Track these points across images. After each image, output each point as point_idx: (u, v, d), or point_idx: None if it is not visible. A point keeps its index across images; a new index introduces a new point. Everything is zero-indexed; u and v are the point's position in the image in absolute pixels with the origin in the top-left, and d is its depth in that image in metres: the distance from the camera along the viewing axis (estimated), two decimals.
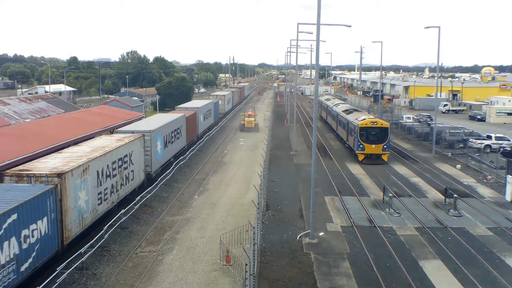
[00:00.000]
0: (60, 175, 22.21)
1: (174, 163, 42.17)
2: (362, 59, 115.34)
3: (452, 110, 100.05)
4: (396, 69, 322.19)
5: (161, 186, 35.73)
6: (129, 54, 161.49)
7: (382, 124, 47.83)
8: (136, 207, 30.32)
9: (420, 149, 56.26)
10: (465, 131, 58.80)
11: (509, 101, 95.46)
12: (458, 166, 46.27)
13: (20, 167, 24.20)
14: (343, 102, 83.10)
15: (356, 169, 44.85)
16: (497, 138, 55.01)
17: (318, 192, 34.58)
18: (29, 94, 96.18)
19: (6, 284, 17.90)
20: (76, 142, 38.85)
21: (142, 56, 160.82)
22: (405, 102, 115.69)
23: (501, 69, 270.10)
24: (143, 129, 37.10)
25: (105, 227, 25.57)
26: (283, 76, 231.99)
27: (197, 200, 34.26)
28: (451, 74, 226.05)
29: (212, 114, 68.76)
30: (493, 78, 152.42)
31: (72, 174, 23.14)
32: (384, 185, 36.40)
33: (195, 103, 65.65)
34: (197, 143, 54.08)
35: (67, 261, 21.43)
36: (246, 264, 17.77)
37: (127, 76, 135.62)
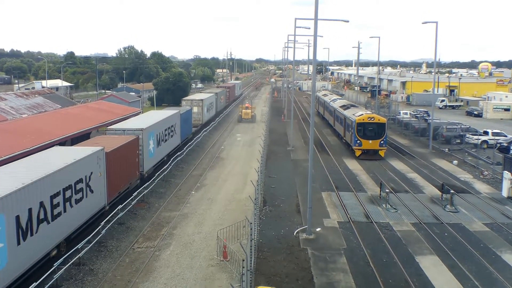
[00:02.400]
0: None
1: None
2: (360, 54, 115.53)
3: (449, 106, 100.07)
4: (393, 64, 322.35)
5: (158, 182, 35.72)
6: (126, 49, 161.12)
7: (379, 120, 47.87)
8: (133, 202, 30.31)
9: (417, 145, 56.34)
10: (462, 126, 58.89)
11: (506, 96, 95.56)
12: (455, 161, 46.36)
13: None
14: (340, 97, 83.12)
15: (353, 165, 44.89)
16: (494, 134, 55.08)
17: (315, 187, 34.62)
18: (26, 89, 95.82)
19: None
20: (73, 138, 38.86)
21: (139, 51, 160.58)
22: (402, 98, 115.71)
23: (498, 64, 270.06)
24: None
25: (102, 223, 25.57)
26: (281, 71, 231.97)
27: (194, 196, 34.27)
28: (448, 69, 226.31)
29: (176, 132, 46.82)
30: (490, 74, 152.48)
31: None
32: (381, 180, 36.45)
33: (141, 121, 40.27)
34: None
35: (64, 256, 21.46)
36: (243, 260, 17.80)
37: (124, 71, 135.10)
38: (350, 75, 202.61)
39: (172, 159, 42.27)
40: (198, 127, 62.59)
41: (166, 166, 39.31)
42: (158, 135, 39.65)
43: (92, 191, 25.98)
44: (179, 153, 45.06)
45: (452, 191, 33.06)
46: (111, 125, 41.43)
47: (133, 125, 37.66)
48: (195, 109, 62.98)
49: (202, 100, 65.72)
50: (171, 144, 44.86)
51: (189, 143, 51.03)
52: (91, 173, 25.85)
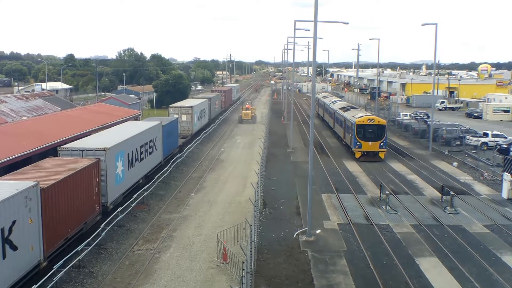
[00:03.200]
0: None
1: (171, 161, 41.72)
2: (359, 56, 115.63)
3: (449, 108, 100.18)
4: (393, 66, 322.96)
5: (158, 184, 35.70)
6: (126, 52, 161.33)
7: (379, 122, 47.90)
8: (133, 205, 30.28)
9: (416, 147, 56.34)
10: (462, 128, 58.92)
11: (506, 98, 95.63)
12: (455, 163, 46.37)
13: None
14: (340, 99, 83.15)
15: (353, 167, 44.89)
16: (494, 136, 55.13)
17: (315, 189, 34.60)
18: (25, 91, 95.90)
19: None
20: (72, 140, 38.85)
21: (139, 53, 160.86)
22: (402, 100, 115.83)
23: (498, 66, 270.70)
24: None
25: (102, 225, 25.54)
26: (280, 73, 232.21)
27: (194, 198, 34.25)
28: (448, 71, 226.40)
29: (157, 148, 39.38)
30: (490, 75, 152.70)
31: None
32: (381, 182, 36.44)
33: (107, 137, 32.64)
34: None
35: (64, 259, 21.40)
36: (243, 262, 17.77)
37: (124, 74, 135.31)
38: (349, 77, 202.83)
39: (173, 160, 42.15)
40: (187, 138, 55.60)
41: (166, 168, 39.22)
42: (130, 154, 32.30)
43: (15, 248, 18.62)
44: (178, 155, 44.99)
45: (452, 192, 33.05)
46: (110, 127, 41.23)
47: (96, 143, 30.11)
48: (184, 118, 56.61)
49: (191, 107, 57.63)
50: (149, 163, 37.38)
51: (189, 146, 50.90)
52: (14, 222, 18.57)
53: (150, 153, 37.46)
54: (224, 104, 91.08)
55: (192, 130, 57.74)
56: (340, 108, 60.60)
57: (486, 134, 55.89)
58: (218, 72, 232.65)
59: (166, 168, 39.12)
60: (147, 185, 33.87)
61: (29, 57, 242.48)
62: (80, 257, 22.29)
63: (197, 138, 55.22)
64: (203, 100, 67.20)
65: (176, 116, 53.56)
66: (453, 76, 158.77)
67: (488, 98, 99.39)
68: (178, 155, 45.03)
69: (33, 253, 20.11)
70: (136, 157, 33.80)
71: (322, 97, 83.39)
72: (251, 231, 20.79)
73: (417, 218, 30.08)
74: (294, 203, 33.14)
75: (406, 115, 77.17)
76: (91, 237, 24.18)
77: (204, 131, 60.07)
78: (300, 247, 25.39)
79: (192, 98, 77.64)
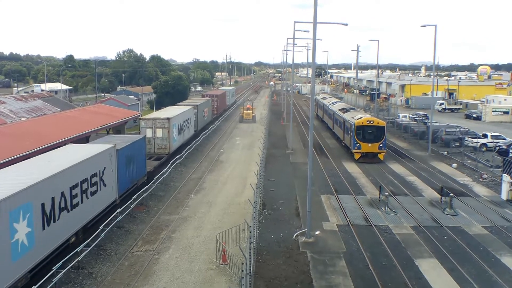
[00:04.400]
0: None
1: (171, 161, 41.74)
2: (359, 57, 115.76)
3: (448, 109, 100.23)
4: (392, 67, 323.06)
5: (158, 185, 35.69)
6: (126, 53, 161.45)
7: (378, 123, 47.91)
8: (132, 206, 30.27)
9: (416, 148, 56.36)
10: (461, 129, 58.95)
11: (505, 99, 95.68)
12: (454, 164, 46.38)
13: None
14: (339, 100, 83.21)
15: (353, 168, 44.90)
16: (493, 137, 55.16)
17: (315, 191, 34.61)
18: (25, 92, 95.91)
19: None
20: (72, 141, 38.84)
21: (139, 54, 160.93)
22: (401, 101, 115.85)
23: (497, 67, 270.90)
24: None
25: (101, 226, 25.52)
26: (280, 74, 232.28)
27: (193, 199, 34.24)
28: (447, 72, 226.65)
29: (107, 183, 28.28)
30: (489, 77, 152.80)
31: None
32: (380, 184, 36.42)
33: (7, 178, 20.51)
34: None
35: (63, 260, 21.39)
36: (243, 263, 17.76)
37: (123, 75, 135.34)
38: (349, 78, 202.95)
39: (172, 161, 42.00)
40: (163, 158, 44.32)
41: (165, 169, 39.12)
42: (49, 202, 21.23)
43: None
44: (178, 156, 44.86)
45: (451, 194, 33.06)
46: (110, 127, 40.88)
47: None
48: (158, 133, 44.72)
49: (168, 119, 45.05)
50: (91, 208, 25.95)
51: (189, 145, 50.71)
52: None
53: (94, 192, 26.12)
54: (217, 111, 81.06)
55: (170, 148, 45.44)
56: (340, 110, 60.63)
57: (485, 136, 55.93)
58: (217, 73, 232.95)
59: (165, 169, 39.09)
60: (146, 186, 33.83)
61: (29, 58, 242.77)
62: (79, 258, 22.29)
63: (197, 139, 51.30)
64: (187, 109, 55.22)
65: (149, 130, 44.43)
66: (453, 78, 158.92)
67: (487, 100, 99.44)
68: (178, 155, 44.94)
69: None
70: (63, 205, 22.50)
71: (322, 98, 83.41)
72: (250, 232, 20.80)
73: (417, 219, 30.09)
74: (293, 204, 33.13)
75: (405, 117, 77.22)
76: (90, 238, 24.18)
77: (178, 155, 45.80)
78: (300, 248, 25.38)
79: (175, 105, 63.52)
